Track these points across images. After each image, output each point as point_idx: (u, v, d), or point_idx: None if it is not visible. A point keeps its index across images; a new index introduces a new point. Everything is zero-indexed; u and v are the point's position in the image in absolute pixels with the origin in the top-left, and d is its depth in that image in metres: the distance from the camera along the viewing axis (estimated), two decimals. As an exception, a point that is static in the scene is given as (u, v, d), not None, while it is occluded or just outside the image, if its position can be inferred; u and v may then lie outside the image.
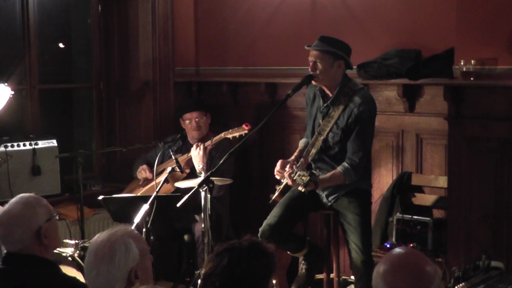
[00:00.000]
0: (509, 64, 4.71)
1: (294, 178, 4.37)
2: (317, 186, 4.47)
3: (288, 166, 4.55)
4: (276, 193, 4.83)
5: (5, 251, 3.25)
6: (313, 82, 4.66)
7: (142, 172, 5.80)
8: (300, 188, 4.37)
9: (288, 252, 5.05)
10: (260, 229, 4.72)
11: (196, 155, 5.49)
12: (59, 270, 3.30)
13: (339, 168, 4.53)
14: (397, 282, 2.36)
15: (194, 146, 5.56)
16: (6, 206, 3.28)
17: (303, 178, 4.31)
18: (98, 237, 2.89)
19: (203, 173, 5.02)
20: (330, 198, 4.70)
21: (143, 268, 2.87)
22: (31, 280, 3.09)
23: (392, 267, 2.41)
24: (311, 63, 4.61)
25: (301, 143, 5.01)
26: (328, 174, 4.52)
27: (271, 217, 4.72)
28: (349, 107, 4.58)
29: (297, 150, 4.95)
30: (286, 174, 4.47)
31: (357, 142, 4.60)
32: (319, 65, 4.58)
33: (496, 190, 4.75)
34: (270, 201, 4.90)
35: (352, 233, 4.68)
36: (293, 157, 4.88)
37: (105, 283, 2.73)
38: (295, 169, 4.43)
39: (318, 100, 4.76)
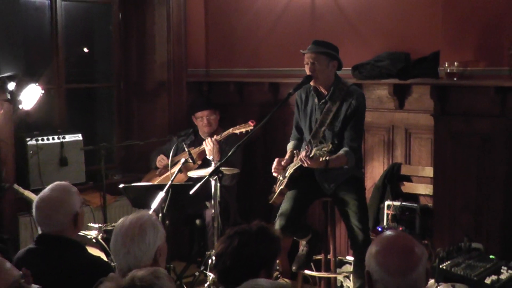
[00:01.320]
0: (488, 66, 4.71)
1: (312, 155, 4.33)
2: (327, 165, 4.42)
3: (302, 150, 4.55)
4: (276, 194, 4.79)
5: (40, 232, 3.26)
6: (312, 82, 4.68)
7: (162, 160, 5.84)
8: (321, 159, 4.28)
9: (295, 238, 5.07)
10: (277, 225, 4.66)
11: (210, 149, 5.52)
12: (86, 250, 3.33)
13: (341, 151, 4.50)
14: (388, 261, 2.37)
15: (206, 140, 5.60)
16: (45, 192, 3.28)
17: (324, 149, 4.25)
18: (124, 221, 2.91)
19: (213, 163, 5.03)
20: (331, 186, 4.69)
21: (164, 248, 2.92)
22: (62, 259, 3.12)
23: (383, 248, 2.42)
24: (308, 65, 4.60)
25: (290, 145, 4.96)
26: (334, 156, 4.45)
27: (284, 213, 4.68)
28: (346, 101, 4.59)
29: (289, 151, 4.91)
30: (302, 157, 4.42)
31: (355, 130, 4.61)
32: (317, 66, 4.58)
33: (477, 180, 4.75)
34: (270, 201, 4.87)
35: (352, 216, 4.65)
36: (286, 157, 4.85)
37: (135, 261, 2.76)
38: (308, 149, 4.41)
39: (312, 99, 4.75)
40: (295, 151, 4.75)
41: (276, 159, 4.81)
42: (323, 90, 4.69)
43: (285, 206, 4.72)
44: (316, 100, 4.72)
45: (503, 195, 4.67)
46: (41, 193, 3.29)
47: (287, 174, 4.71)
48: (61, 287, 2.88)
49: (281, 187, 4.75)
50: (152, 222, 2.90)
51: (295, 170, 4.63)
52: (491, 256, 4.09)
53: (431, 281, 3.70)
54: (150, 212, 4.30)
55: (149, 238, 2.83)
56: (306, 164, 4.45)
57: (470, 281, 3.74)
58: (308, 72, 4.62)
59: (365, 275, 2.44)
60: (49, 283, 2.90)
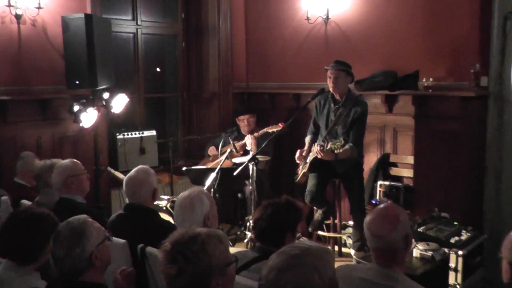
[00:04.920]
0: (455, 81, 4.73)
1: (327, 148, 4.38)
2: (337, 157, 4.47)
3: (315, 145, 4.57)
4: (300, 175, 4.82)
5: (126, 202, 3.27)
6: (331, 90, 4.68)
7: (212, 150, 5.88)
8: (336, 151, 4.33)
9: (315, 208, 5.10)
10: (307, 198, 4.74)
11: (250, 142, 5.58)
12: (160, 216, 3.34)
13: (347, 146, 4.50)
14: (371, 225, 2.33)
15: (247, 136, 5.62)
16: (132, 173, 3.27)
17: (337, 143, 4.30)
18: (182, 194, 2.96)
19: (251, 153, 5.08)
20: (341, 169, 4.72)
21: (213, 214, 2.92)
22: (143, 222, 3.15)
23: (370, 216, 2.36)
24: (331, 78, 4.64)
25: (308, 139, 4.97)
26: (343, 150, 4.46)
27: (312, 189, 4.75)
28: (354, 107, 4.61)
29: (307, 143, 4.93)
30: (317, 149, 4.47)
31: (358, 130, 4.64)
32: (338, 79, 4.62)
33: (447, 166, 4.76)
34: (296, 181, 4.90)
35: (353, 191, 4.74)
36: (306, 148, 4.90)
37: (189, 225, 2.80)
38: (325, 143, 4.45)
39: (328, 104, 4.77)
40: (313, 145, 4.79)
41: (298, 150, 4.85)
42: (338, 98, 4.73)
43: (311, 184, 4.77)
44: (332, 105, 4.74)
45: (466, 178, 4.68)
46: (129, 174, 3.31)
47: (308, 161, 4.76)
48: (141, 242, 2.92)
49: (304, 170, 4.79)
50: (199, 196, 2.87)
51: (314, 158, 4.69)
52: (455, 223, 4.14)
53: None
54: (204, 188, 4.38)
55: (197, 208, 2.84)
56: (319, 156, 4.51)
57: (439, 241, 3.80)
58: (330, 84, 4.64)
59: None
60: (133, 239, 2.95)
